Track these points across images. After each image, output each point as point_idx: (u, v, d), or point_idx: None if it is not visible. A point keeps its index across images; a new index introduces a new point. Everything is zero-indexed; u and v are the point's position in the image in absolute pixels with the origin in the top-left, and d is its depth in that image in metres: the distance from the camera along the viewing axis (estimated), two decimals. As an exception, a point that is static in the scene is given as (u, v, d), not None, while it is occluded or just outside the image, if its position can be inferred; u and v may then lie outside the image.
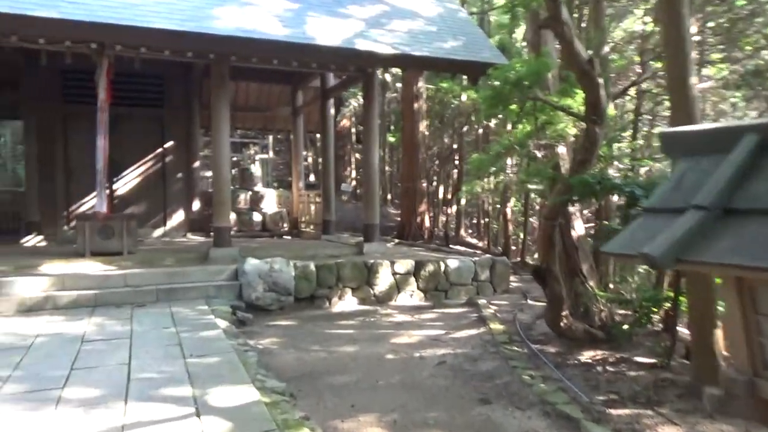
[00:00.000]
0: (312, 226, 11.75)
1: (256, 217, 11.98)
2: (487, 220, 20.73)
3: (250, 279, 6.54)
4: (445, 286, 7.91)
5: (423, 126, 13.55)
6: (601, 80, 4.18)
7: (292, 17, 7.11)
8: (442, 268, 7.90)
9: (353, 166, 24.66)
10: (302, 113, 12.80)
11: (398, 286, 7.64)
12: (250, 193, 12.16)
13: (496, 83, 4.68)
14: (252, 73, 12.09)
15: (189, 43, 6.62)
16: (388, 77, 18.22)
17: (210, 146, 10.23)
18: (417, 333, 5.95)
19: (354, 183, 23.57)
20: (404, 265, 7.69)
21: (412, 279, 7.74)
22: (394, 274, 7.62)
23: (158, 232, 11.36)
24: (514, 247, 16.41)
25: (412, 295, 7.70)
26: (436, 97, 14.47)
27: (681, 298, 4.60)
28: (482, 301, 7.30)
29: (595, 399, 4.12)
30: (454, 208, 18.84)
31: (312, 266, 7.08)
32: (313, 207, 11.72)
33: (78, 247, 7.52)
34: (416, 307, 7.34)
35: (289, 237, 12.04)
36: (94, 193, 11.25)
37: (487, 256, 8.79)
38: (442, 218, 18.76)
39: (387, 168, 23.45)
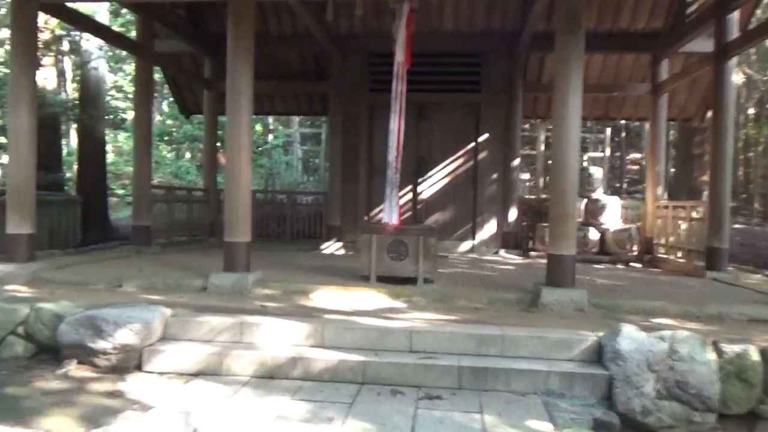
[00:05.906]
0: (680, 253, 7.85)
1: (593, 234, 8.64)
2: None
3: (631, 370, 3.36)
4: None
5: None
6: None
7: None
8: None
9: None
10: (665, 92, 8.97)
11: None
12: (585, 201, 8.88)
13: None
14: (597, 40, 8.84)
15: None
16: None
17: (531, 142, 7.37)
18: None
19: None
20: None
21: None
22: None
23: (465, 247, 9.09)
24: None
25: None
26: None
27: None
28: None
29: None
30: None
31: (754, 353, 3.50)
32: (683, 225, 7.81)
33: (362, 268, 5.50)
34: None
35: (639, 265, 8.37)
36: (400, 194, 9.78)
37: None
38: None
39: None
